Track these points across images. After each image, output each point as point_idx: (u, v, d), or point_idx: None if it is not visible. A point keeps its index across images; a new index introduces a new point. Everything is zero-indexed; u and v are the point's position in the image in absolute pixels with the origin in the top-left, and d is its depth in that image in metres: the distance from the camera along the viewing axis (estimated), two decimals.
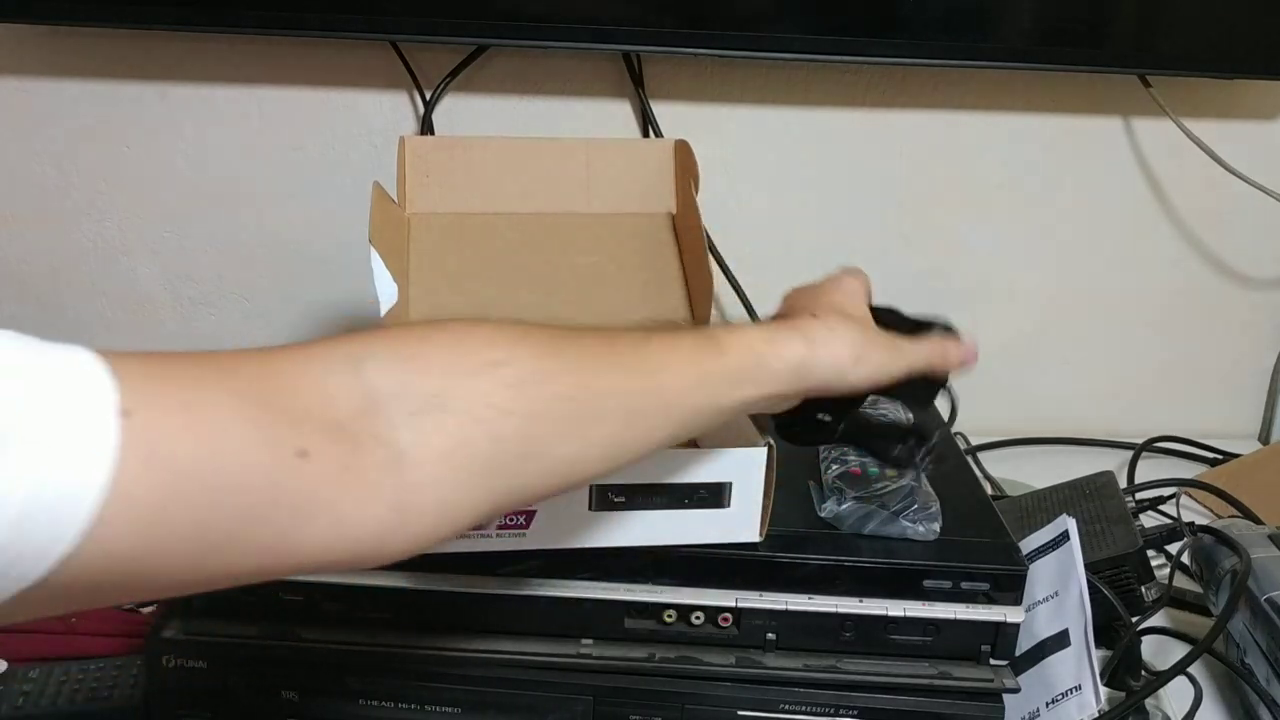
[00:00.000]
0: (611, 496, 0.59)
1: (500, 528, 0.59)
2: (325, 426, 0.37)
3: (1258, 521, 0.84)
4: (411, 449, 0.39)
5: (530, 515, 0.59)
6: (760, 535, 0.61)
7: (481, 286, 0.72)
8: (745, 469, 0.60)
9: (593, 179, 0.77)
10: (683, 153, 0.76)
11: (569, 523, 0.59)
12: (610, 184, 0.77)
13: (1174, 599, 0.78)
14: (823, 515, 0.64)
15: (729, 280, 1.02)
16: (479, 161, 0.76)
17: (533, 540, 0.59)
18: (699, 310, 0.72)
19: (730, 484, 0.60)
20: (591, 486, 0.59)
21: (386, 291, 0.63)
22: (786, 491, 0.62)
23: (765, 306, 1.02)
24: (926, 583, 0.61)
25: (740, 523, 0.61)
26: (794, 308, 0.57)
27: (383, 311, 0.62)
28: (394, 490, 0.38)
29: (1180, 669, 0.65)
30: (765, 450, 0.59)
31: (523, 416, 0.41)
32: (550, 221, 0.76)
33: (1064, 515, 0.69)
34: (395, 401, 0.39)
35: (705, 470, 0.59)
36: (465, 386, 0.41)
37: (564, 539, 0.60)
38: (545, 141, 0.79)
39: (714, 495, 0.60)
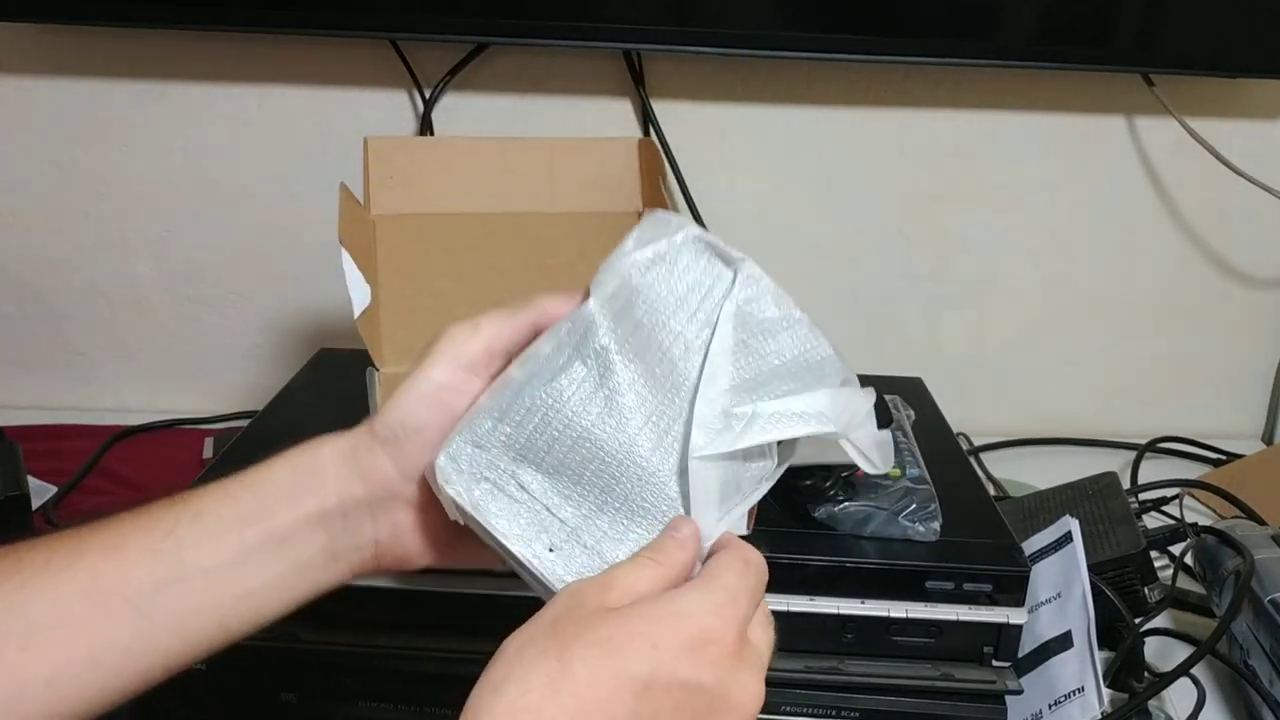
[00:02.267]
0: None
1: None
2: None
3: (1261, 522, 0.83)
4: None
5: None
6: (748, 529, 0.61)
7: (450, 287, 0.72)
8: None
9: (557, 178, 0.77)
10: (647, 150, 0.76)
11: None
12: (575, 183, 0.77)
13: (1177, 600, 0.77)
14: (817, 516, 0.63)
15: None
16: (443, 162, 0.76)
17: None
18: None
19: None
20: None
21: (359, 293, 0.63)
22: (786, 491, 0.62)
23: None
24: (929, 584, 0.61)
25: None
26: None
27: (356, 313, 0.62)
28: None
29: (1183, 670, 0.65)
30: None
31: None
32: (516, 221, 0.76)
33: (1066, 516, 0.68)
34: None
35: None
36: None
37: None
38: (509, 141, 0.79)
39: None
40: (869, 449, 0.49)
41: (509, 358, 0.46)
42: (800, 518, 0.64)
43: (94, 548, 0.43)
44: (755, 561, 0.42)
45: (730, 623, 0.39)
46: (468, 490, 0.43)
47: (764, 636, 0.41)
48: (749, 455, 0.45)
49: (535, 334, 0.46)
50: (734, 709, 0.38)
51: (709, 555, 0.43)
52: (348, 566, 0.46)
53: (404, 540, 0.47)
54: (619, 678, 0.36)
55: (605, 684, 0.36)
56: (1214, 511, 0.93)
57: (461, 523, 0.45)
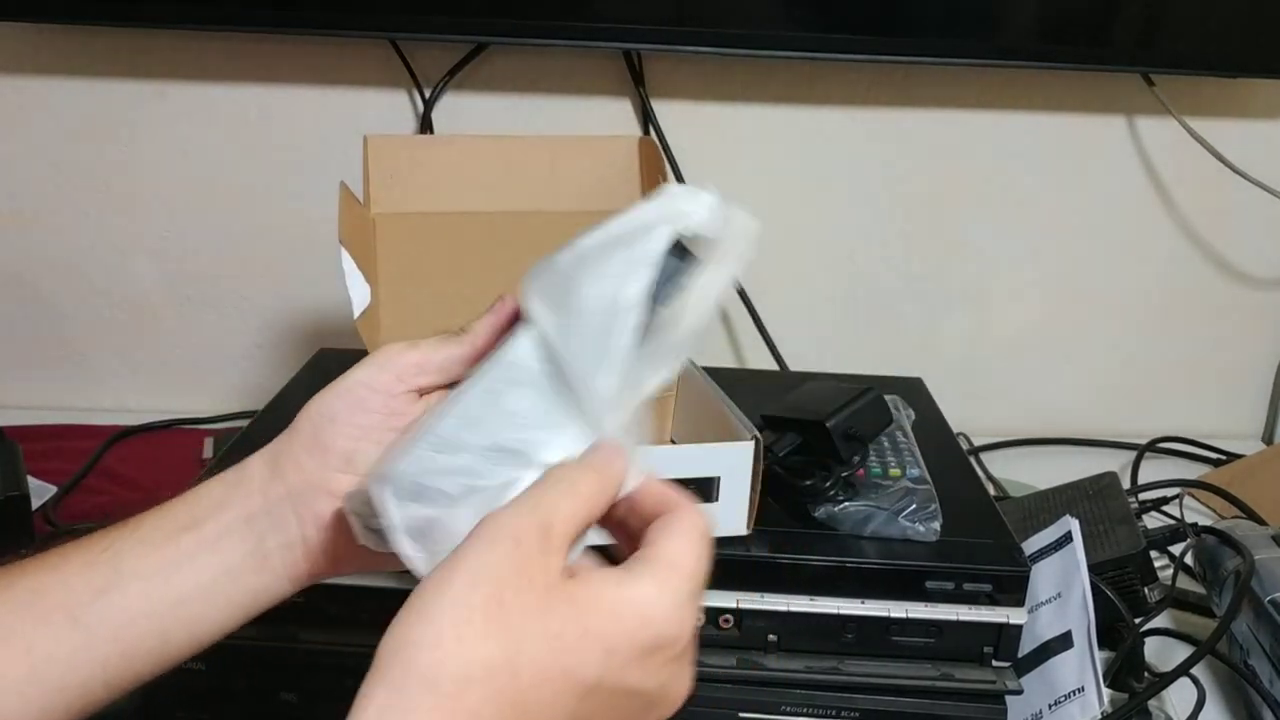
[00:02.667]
0: None
1: None
2: None
3: (1261, 522, 0.84)
4: None
5: None
6: (748, 528, 0.61)
7: (450, 287, 0.72)
8: (733, 463, 0.60)
9: (558, 176, 0.77)
10: (647, 149, 0.76)
11: None
12: (575, 181, 0.77)
13: (1177, 600, 0.77)
14: (817, 516, 0.63)
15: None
16: (443, 161, 0.76)
17: None
18: None
19: (718, 478, 0.60)
20: None
21: (359, 293, 0.63)
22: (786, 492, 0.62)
23: (765, 305, 1.02)
24: (929, 584, 0.61)
25: (729, 516, 0.61)
26: None
27: (356, 313, 0.62)
28: None
29: (1183, 670, 0.65)
30: (752, 444, 0.59)
31: None
32: (516, 220, 0.76)
33: (1067, 516, 0.68)
34: None
35: (694, 465, 0.59)
36: None
37: None
38: (509, 140, 0.79)
39: (703, 490, 0.59)
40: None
41: (441, 378, 0.47)
42: (800, 518, 0.64)
43: (37, 566, 0.44)
44: (706, 532, 0.39)
45: (686, 625, 0.38)
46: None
47: (699, 617, 0.39)
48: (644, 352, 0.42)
49: (471, 364, 0.46)
50: (670, 704, 0.38)
51: (652, 513, 0.40)
52: (280, 566, 0.46)
53: (330, 535, 0.47)
54: (566, 679, 0.35)
55: (551, 685, 0.34)
56: (1214, 511, 0.93)
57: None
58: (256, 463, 0.47)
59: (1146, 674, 0.69)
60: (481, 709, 0.33)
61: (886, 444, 0.70)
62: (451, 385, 0.46)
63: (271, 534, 0.46)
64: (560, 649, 0.34)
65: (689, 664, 0.38)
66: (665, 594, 0.37)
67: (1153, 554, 0.74)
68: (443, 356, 0.46)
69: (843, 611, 0.61)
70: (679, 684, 0.38)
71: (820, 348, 1.08)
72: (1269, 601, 0.68)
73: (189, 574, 0.45)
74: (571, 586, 0.36)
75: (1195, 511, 0.91)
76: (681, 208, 0.43)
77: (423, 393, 0.47)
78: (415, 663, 0.33)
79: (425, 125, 0.99)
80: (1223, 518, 0.89)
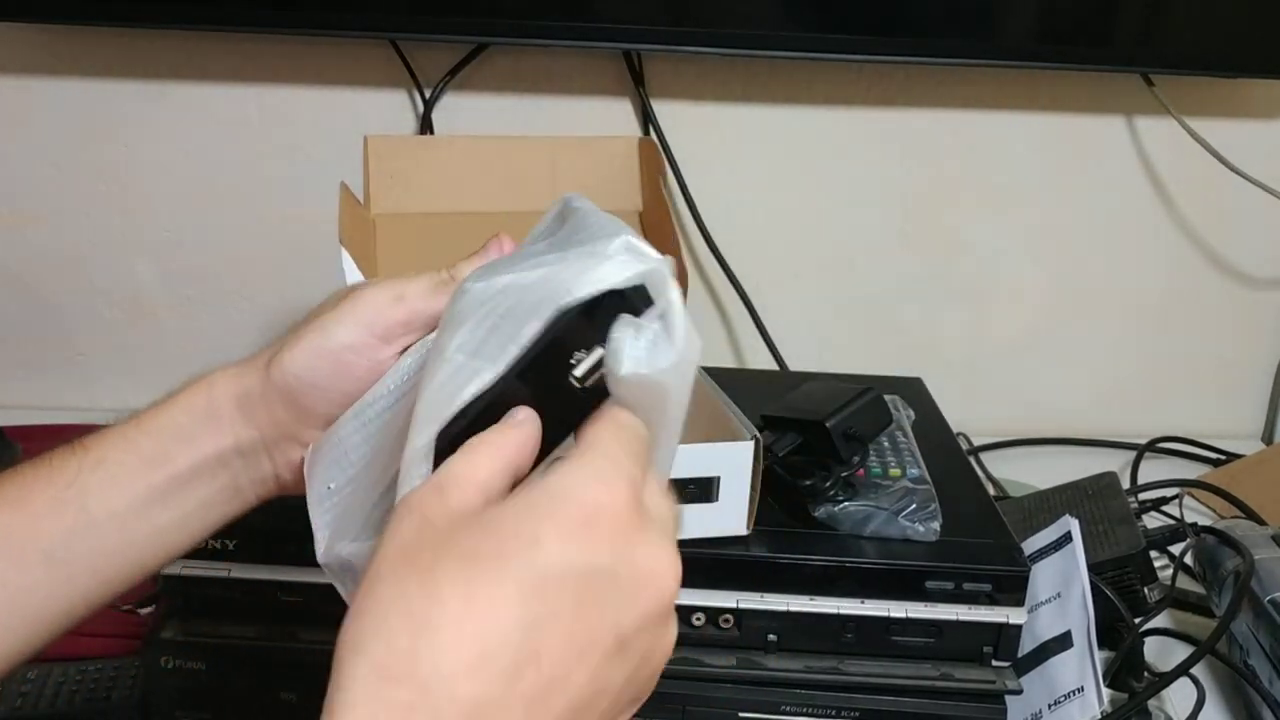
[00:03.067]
0: None
1: None
2: None
3: (1261, 522, 0.84)
4: None
5: None
6: (748, 528, 0.61)
7: None
8: (733, 462, 0.60)
9: (558, 177, 0.77)
10: (647, 150, 0.76)
11: None
12: (575, 182, 0.77)
13: (1177, 600, 0.77)
14: (817, 516, 0.63)
15: (729, 279, 1.01)
16: (443, 161, 0.76)
17: None
18: None
19: (718, 478, 0.60)
20: None
21: None
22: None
23: (765, 305, 1.02)
24: (929, 584, 0.61)
25: (728, 516, 0.61)
26: None
27: None
28: None
29: (1183, 670, 0.65)
30: (752, 444, 0.59)
31: None
32: (517, 220, 0.76)
33: (1066, 516, 0.68)
34: None
35: (694, 464, 0.59)
36: None
37: None
38: (509, 140, 0.79)
39: (703, 489, 0.60)
40: None
41: (429, 329, 0.44)
42: (800, 518, 0.64)
43: None
44: (630, 423, 0.35)
45: (617, 489, 0.32)
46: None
47: (663, 503, 0.35)
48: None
49: None
50: (646, 581, 0.32)
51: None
52: (254, 497, 0.47)
53: (303, 473, 0.47)
54: (500, 587, 0.30)
55: (485, 601, 0.30)
56: (1214, 511, 0.93)
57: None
58: (225, 400, 0.46)
59: (1146, 674, 0.69)
60: (456, 677, 0.29)
61: (886, 444, 0.70)
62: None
63: (245, 472, 0.46)
64: (481, 560, 0.30)
65: (655, 534, 0.33)
66: (579, 467, 0.33)
67: (1152, 554, 0.74)
68: (431, 312, 0.44)
69: (842, 611, 0.61)
70: (650, 556, 0.33)
71: (820, 348, 1.08)
72: (1269, 601, 0.68)
73: (163, 510, 0.45)
74: (482, 512, 0.32)
75: (1195, 511, 0.91)
76: (595, 278, 0.35)
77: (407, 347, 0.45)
78: (341, 648, 0.31)
79: (425, 125, 0.99)
80: (1222, 518, 0.89)
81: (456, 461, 0.34)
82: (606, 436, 0.34)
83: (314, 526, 0.44)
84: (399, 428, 0.40)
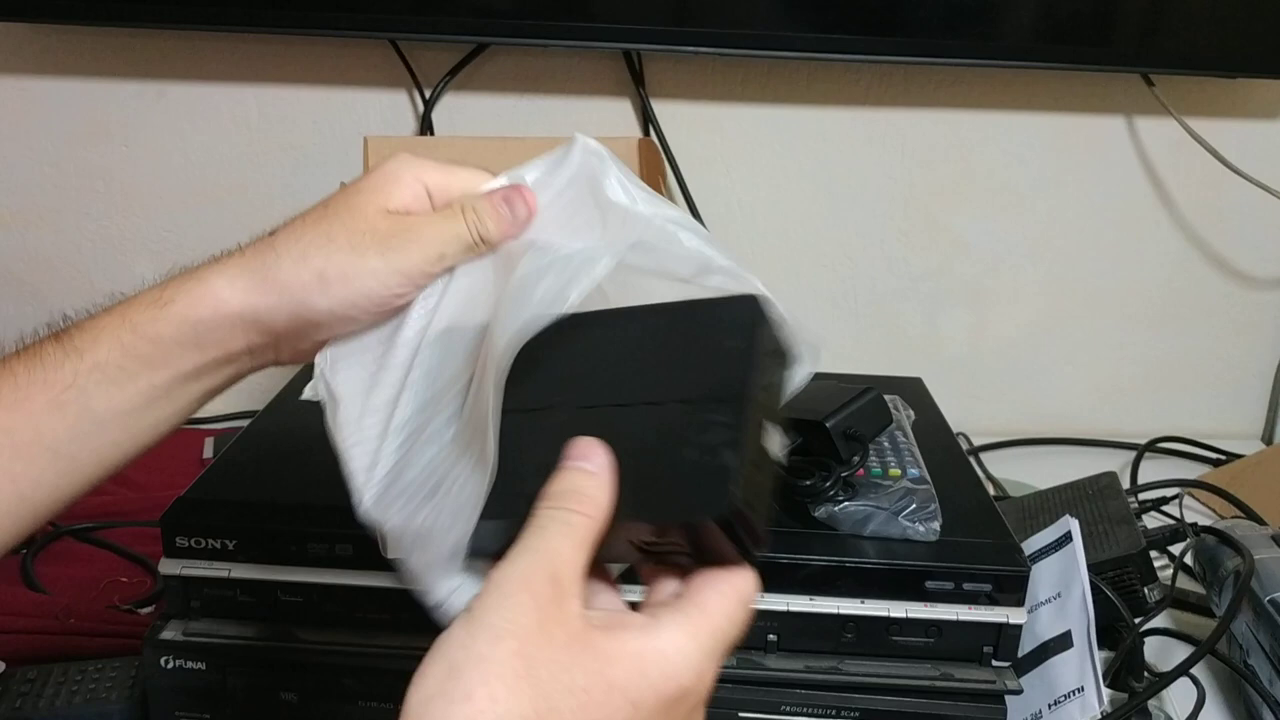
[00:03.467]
0: None
1: None
2: None
3: (1260, 522, 0.84)
4: None
5: None
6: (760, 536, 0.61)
7: None
8: None
9: None
10: (647, 150, 0.76)
11: None
12: None
13: (1177, 600, 0.77)
14: (817, 516, 0.63)
15: None
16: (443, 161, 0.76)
17: None
18: None
19: None
20: None
21: None
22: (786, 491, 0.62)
23: None
24: (928, 584, 0.61)
25: None
26: None
27: None
28: None
29: (1183, 670, 0.65)
30: None
31: None
32: None
33: (1066, 516, 0.68)
34: None
35: None
36: None
37: None
38: (509, 140, 0.79)
39: None
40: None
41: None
42: (800, 518, 0.64)
43: None
44: (751, 597, 0.38)
45: (707, 678, 0.37)
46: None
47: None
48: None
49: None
50: None
51: None
52: (253, 371, 0.49)
53: (312, 351, 0.48)
54: None
55: None
56: (1214, 511, 0.93)
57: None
58: (233, 315, 0.46)
59: (1146, 674, 0.69)
60: None
61: (886, 444, 0.70)
62: None
63: (251, 363, 0.48)
64: (587, 703, 0.34)
65: (705, 706, 0.38)
66: (693, 645, 0.36)
67: (1152, 554, 0.74)
68: (464, 261, 0.47)
69: (842, 611, 0.61)
70: None
71: (820, 348, 1.08)
72: (1269, 601, 0.68)
73: (167, 404, 0.47)
74: (595, 637, 0.35)
75: (1195, 511, 0.91)
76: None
77: None
78: (448, 716, 0.33)
79: (425, 125, 0.99)
80: (1222, 518, 0.89)
81: (564, 544, 0.36)
82: (725, 617, 0.37)
83: (351, 459, 0.43)
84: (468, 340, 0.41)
